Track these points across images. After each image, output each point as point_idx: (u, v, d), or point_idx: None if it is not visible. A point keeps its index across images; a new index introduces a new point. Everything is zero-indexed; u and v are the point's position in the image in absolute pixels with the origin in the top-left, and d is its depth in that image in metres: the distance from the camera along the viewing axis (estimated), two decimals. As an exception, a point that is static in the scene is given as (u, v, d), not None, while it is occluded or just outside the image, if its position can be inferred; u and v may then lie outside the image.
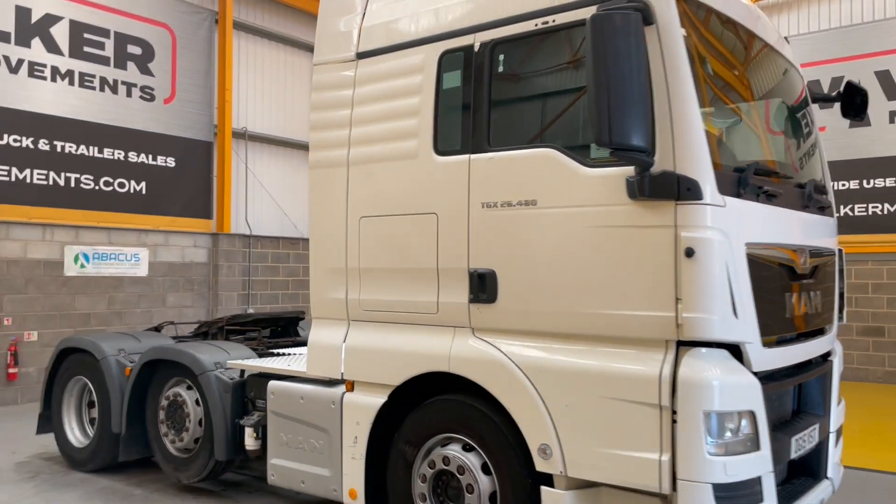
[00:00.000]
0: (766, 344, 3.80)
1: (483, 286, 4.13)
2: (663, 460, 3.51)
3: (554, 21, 3.94)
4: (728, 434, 3.56)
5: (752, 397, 3.61)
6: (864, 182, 12.90)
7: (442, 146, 4.34)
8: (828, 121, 13.20)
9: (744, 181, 3.71)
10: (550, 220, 3.89)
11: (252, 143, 13.44)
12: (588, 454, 3.74)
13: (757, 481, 3.64)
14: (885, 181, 12.72)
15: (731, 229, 3.57)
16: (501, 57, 4.19)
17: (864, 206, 12.87)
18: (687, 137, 3.50)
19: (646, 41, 3.54)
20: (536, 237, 3.95)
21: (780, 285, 3.99)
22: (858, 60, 13.00)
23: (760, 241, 3.80)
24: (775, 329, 3.91)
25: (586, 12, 3.71)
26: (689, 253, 3.47)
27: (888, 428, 9.07)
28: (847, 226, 12.94)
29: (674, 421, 3.50)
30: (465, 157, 4.22)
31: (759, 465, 3.64)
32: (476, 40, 4.25)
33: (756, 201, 3.83)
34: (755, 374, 3.71)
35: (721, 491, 3.47)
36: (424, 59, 4.45)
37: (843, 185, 13.09)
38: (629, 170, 3.60)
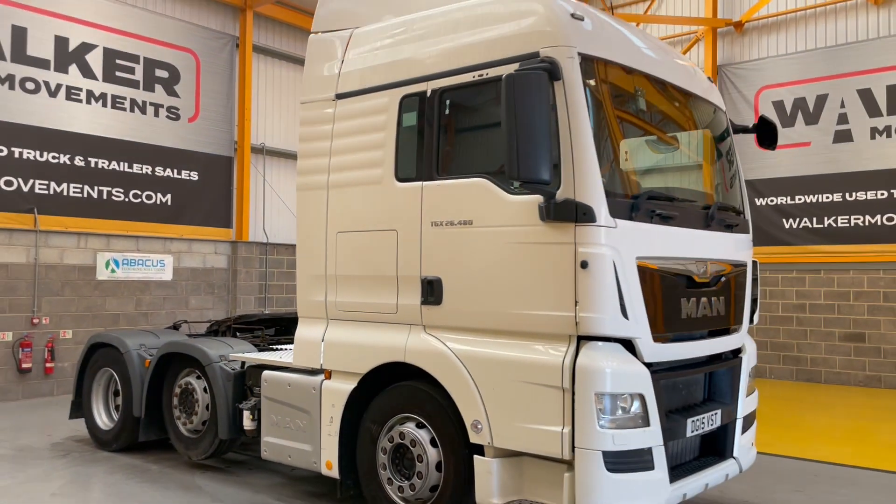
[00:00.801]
0: (658, 340, 4.62)
1: (432, 291, 5.00)
2: (565, 432, 4.34)
3: (486, 74, 4.80)
4: (619, 412, 4.37)
5: (640, 383, 4.42)
6: (847, 195, 13.50)
7: (401, 174, 5.23)
8: (813, 137, 13.93)
9: (636, 206, 4.53)
10: (482, 237, 4.75)
11: (269, 157, 14.46)
12: (509, 428, 4.58)
13: (647, 451, 4.45)
14: (866, 194, 13.31)
15: (622, 246, 4.40)
16: (447, 101, 5.06)
17: (847, 217, 13.48)
18: (584, 172, 4.34)
19: (554, 94, 4.41)
20: (472, 251, 4.81)
21: (674, 292, 4.78)
22: (842, 79, 13.64)
23: (652, 255, 4.61)
24: (668, 328, 4.71)
25: (512, 68, 4.56)
26: (584, 265, 4.31)
27: (866, 428, 9.73)
28: (830, 236, 13.63)
29: (574, 400, 4.34)
30: (419, 183, 5.10)
31: (648, 439, 4.44)
32: (428, 87, 5.12)
33: (650, 222, 4.64)
34: (649, 364, 4.54)
35: (610, 457, 4.29)
36: (388, 102, 5.34)
37: (827, 197, 13.71)
38: (541, 197, 4.45)
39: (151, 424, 7.24)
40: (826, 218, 13.71)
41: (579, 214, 4.33)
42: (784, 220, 14.15)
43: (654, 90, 5.22)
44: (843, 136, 13.61)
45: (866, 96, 13.39)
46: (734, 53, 15.08)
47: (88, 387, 7.87)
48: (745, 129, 6.16)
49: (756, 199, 14.49)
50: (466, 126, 5.19)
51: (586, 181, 4.34)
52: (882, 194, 13.16)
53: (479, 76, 4.85)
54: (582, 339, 4.41)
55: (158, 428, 7.24)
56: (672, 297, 4.78)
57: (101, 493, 6.23)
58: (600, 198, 4.35)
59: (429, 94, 5.12)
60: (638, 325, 4.47)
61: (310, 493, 6.19)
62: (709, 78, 5.98)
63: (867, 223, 13.30)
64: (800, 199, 14.01)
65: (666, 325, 4.70)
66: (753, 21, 14.82)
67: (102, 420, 7.79)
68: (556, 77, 4.44)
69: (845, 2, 13.79)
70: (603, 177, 4.42)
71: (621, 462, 4.33)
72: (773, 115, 14.34)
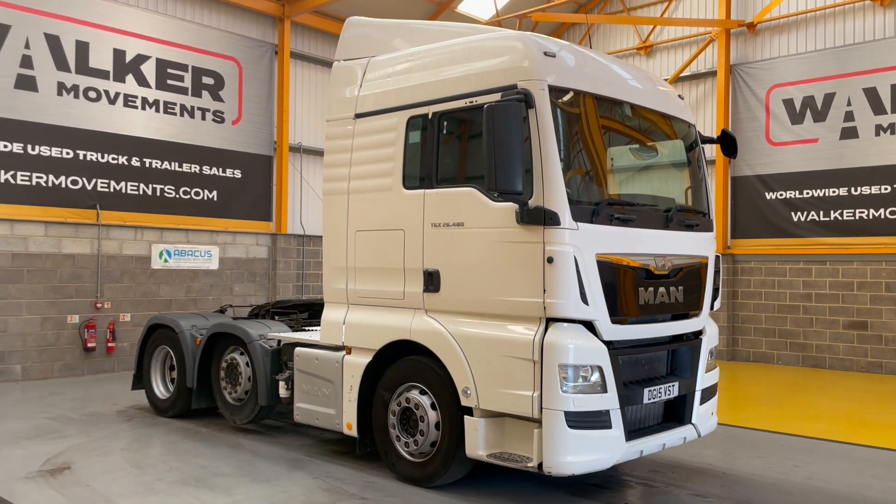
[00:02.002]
0: (616, 322, 5.56)
1: (432, 281, 6.02)
2: (535, 396, 5.32)
3: (476, 101, 5.77)
4: (580, 380, 5.33)
5: (598, 356, 5.36)
6: (853, 189, 14.14)
7: (407, 183, 6.24)
8: (821, 133, 14.57)
9: (596, 212, 5.47)
10: (472, 236, 5.75)
11: (306, 155, 15.61)
12: (493, 393, 5.57)
13: (605, 413, 5.41)
14: (870, 189, 13.94)
15: (583, 244, 5.34)
16: (445, 123, 6.06)
17: (852, 211, 14.13)
18: (550, 184, 5.30)
19: (528, 120, 5.36)
20: (464, 247, 5.81)
21: (631, 282, 5.71)
22: (848, 78, 14.25)
23: (611, 251, 5.54)
24: (625, 312, 5.65)
25: (496, 97, 5.54)
26: (550, 260, 5.27)
27: (852, 409, 10.50)
28: (836, 229, 14.30)
29: (542, 370, 5.32)
30: (422, 191, 6.11)
31: (605, 403, 5.39)
32: (430, 110, 6.12)
33: (609, 224, 5.57)
34: (609, 342, 5.48)
35: (572, 417, 5.25)
36: (397, 122, 6.35)
37: (834, 191, 14.37)
38: (516, 204, 5.41)
39: (202, 394, 8.41)
40: (832, 211, 14.36)
41: (547, 219, 5.30)
42: (792, 214, 14.83)
43: (622, 112, 6.14)
44: (849, 133, 14.23)
45: (871, 95, 13.97)
46: (747, 53, 15.73)
47: (148, 362, 9.08)
48: (711, 140, 6.99)
49: (766, 193, 15.20)
50: (460, 144, 6.17)
51: (552, 192, 5.30)
52: (885, 189, 13.77)
53: (470, 103, 5.83)
54: (550, 321, 5.38)
55: (208, 397, 8.41)
56: (629, 286, 5.70)
57: (161, 449, 7.41)
58: (564, 205, 5.30)
59: (430, 116, 6.12)
60: (597, 310, 5.42)
61: (334, 451, 7.29)
62: (679, 96, 6.83)
63: (871, 217, 13.93)
64: (807, 194, 14.67)
65: (623, 309, 5.64)
66: (765, 22, 15.45)
67: (160, 391, 9.00)
68: (530, 105, 5.39)
69: (853, 3, 14.36)
70: (568, 187, 5.37)
71: (581, 421, 5.29)
72: (783, 113, 15.03)
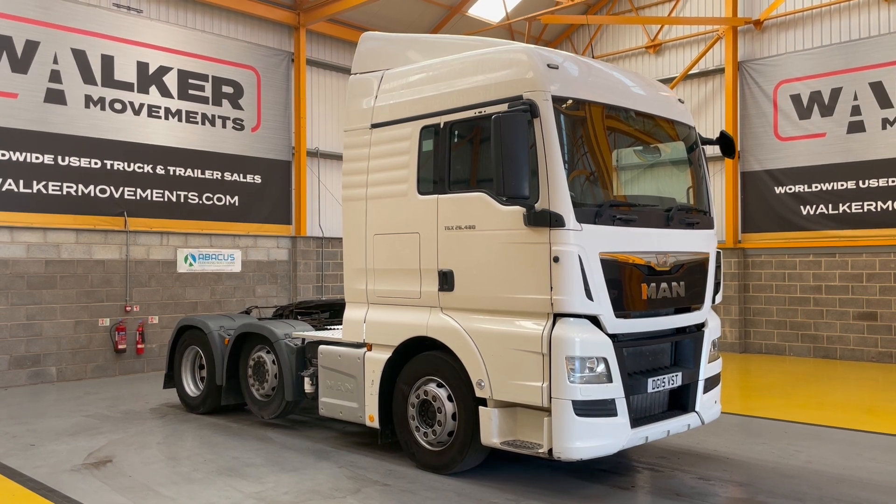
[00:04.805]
0: (620, 316, 5.92)
1: (446, 280, 6.40)
2: (544, 386, 5.69)
3: (485, 111, 6.15)
4: (587, 371, 5.69)
5: (603, 349, 5.72)
6: (860, 182, 14.36)
7: (422, 189, 6.63)
8: (828, 128, 14.80)
9: (599, 213, 5.83)
10: (483, 238, 6.13)
11: (323, 159, 16.05)
12: (505, 384, 5.95)
13: (610, 402, 5.76)
14: (878, 181, 14.16)
15: (587, 244, 5.71)
16: (456, 132, 6.44)
17: (860, 203, 14.34)
18: (555, 189, 5.67)
19: (534, 129, 5.73)
20: (475, 249, 6.19)
21: (633, 278, 6.06)
22: (855, 73, 14.47)
23: (612, 250, 5.89)
24: (629, 307, 6.00)
25: (503, 107, 5.91)
26: (556, 259, 5.65)
27: (857, 396, 10.78)
28: (844, 222, 14.53)
29: (551, 362, 5.69)
30: (435, 196, 6.50)
31: (610, 392, 5.75)
32: (441, 120, 6.51)
33: (612, 225, 5.93)
34: (613, 335, 5.84)
35: (579, 405, 5.61)
36: (411, 131, 6.74)
37: (842, 185, 14.60)
38: (524, 208, 5.78)
39: (231, 391, 8.86)
40: (841, 204, 14.59)
41: (552, 221, 5.67)
42: (801, 207, 15.07)
43: (624, 118, 6.50)
44: (856, 127, 14.45)
45: (878, 89, 14.19)
46: (754, 50, 15.98)
47: (179, 361, 9.54)
48: (710, 142, 7.30)
49: (775, 188, 15.46)
50: (470, 152, 6.55)
51: (557, 195, 5.67)
52: (893, 181, 13.98)
53: (479, 113, 6.21)
54: (557, 316, 5.75)
55: (236, 394, 8.85)
56: (632, 282, 6.05)
57: (194, 443, 7.85)
58: (568, 208, 5.67)
59: (442, 125, 6.50)
60: (601, 305, 5.78)
61: (357, 442, 7.70)
62: (680, 100, 7.16)
63: (879, 209, 14.14)
64: (816, 187, 14.91)
65: (627, 304, 5.99)
66: (772, 19, 15.69)
67: (191, 389, 9.46)
68: (535, 115, 5.76)
69: (858, -1, 14.58)
70: (572, 191, 5.73)
71: (588, 409, 5.66)
72: (790, 108, 15.27)
